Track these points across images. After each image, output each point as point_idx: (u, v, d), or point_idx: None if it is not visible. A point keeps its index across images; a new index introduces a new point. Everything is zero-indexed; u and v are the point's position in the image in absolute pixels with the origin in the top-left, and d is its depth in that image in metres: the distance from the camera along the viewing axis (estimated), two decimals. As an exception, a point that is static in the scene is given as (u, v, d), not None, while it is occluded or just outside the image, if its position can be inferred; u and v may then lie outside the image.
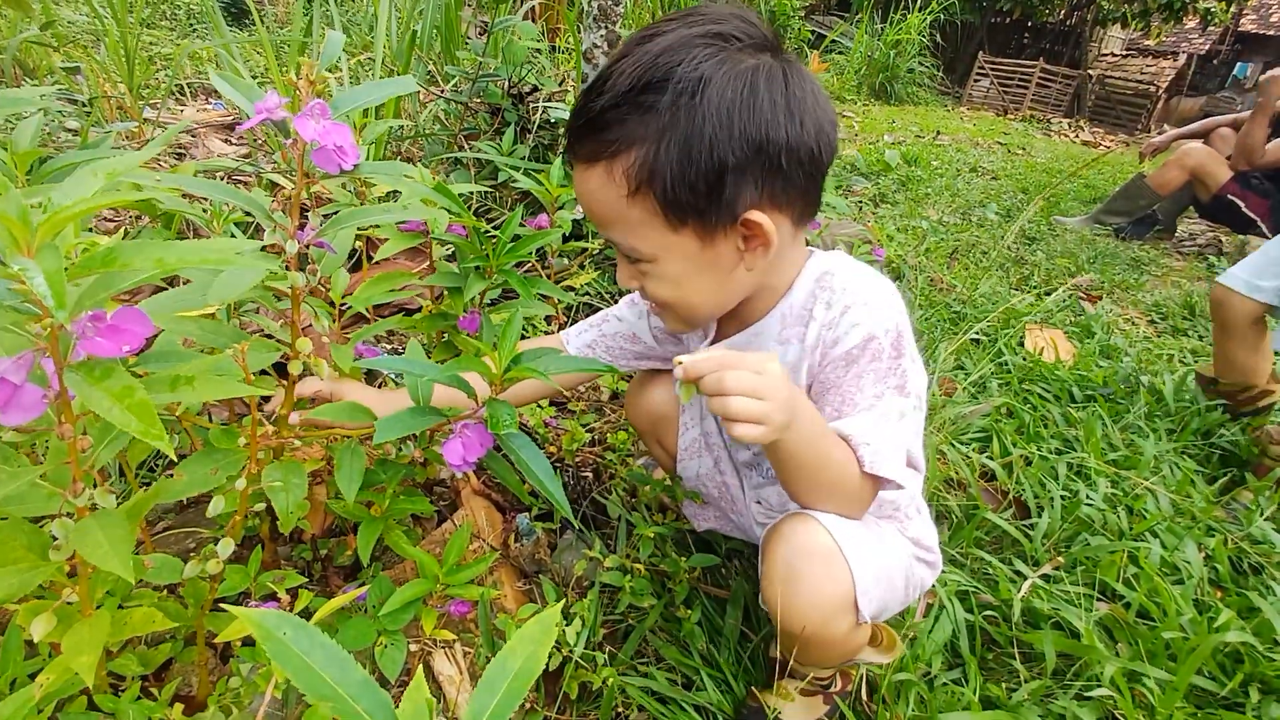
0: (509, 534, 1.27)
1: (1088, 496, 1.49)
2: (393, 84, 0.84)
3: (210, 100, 3.12)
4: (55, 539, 0.58)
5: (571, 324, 1.17)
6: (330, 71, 0.81)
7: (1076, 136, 9.27)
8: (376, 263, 1.26)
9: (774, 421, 0.70)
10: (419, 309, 1.26)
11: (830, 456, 0.78)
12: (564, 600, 0.99)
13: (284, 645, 0.46)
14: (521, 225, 1.35)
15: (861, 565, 0.82)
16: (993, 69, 12.11)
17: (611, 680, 0.98)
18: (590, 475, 1.47)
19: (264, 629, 0.46)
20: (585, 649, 1.03)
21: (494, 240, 1.12)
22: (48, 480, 0.56)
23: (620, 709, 1.02)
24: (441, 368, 0.78)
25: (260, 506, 0.90)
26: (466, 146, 2.30)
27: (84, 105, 2.40)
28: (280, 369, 0.85)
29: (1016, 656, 1.13)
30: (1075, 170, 5.45)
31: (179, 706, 0.81)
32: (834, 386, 0.84)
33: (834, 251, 0.94)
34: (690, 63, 0.71)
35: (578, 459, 1.51)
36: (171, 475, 0.75)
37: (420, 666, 0.90)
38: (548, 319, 1.87)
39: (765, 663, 1.08)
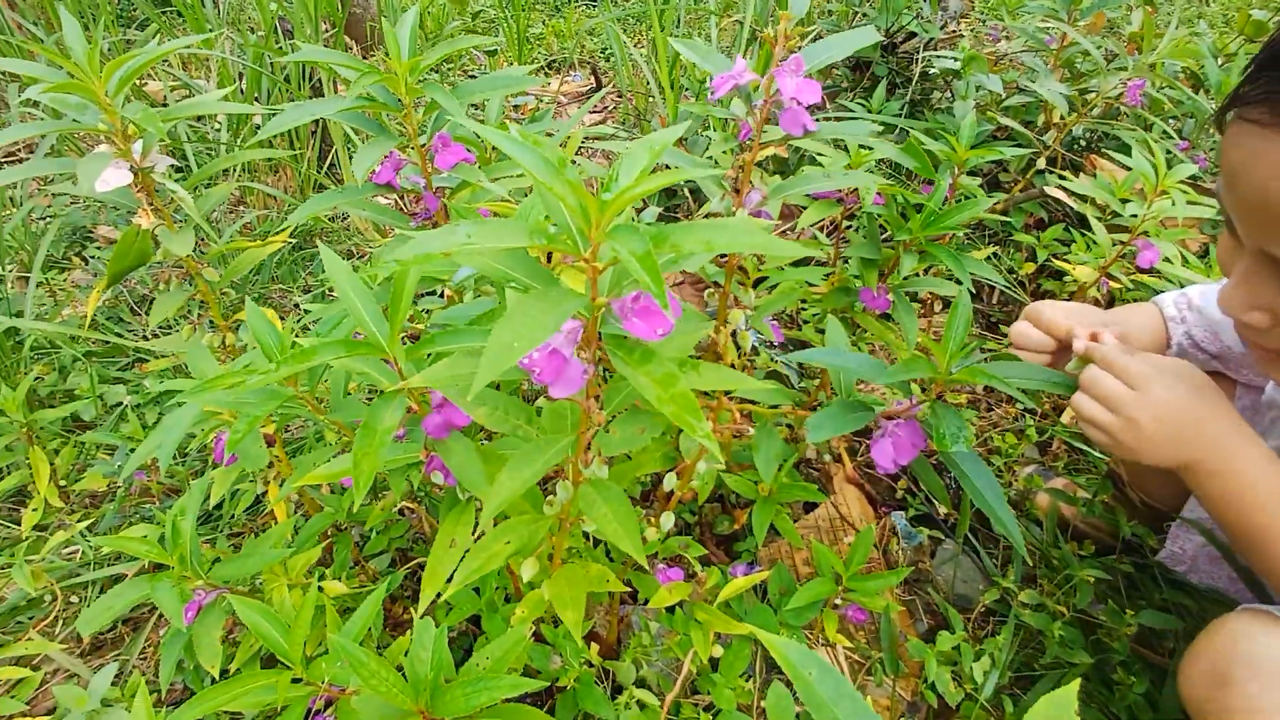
0: (887, 534, 1.16)
1: None
2: (856, 35, 0.74)
3: (570, 73, 3.43)
4: (550, 498, 0.63)
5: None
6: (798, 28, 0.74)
7: None
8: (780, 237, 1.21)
9: (1120, 439, 0.69)
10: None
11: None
12: (964, 631, 0.85)
13: (811, 688, 0.41)
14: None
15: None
16: None
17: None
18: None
19: (791, 665, 0.41)
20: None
21: (918, 209, 0.98)
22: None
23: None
24: (889, 369, 0.69)
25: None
26: (827, 105, 2.16)
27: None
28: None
29: None
30: None
31: (595, 646, 0.87)
32: None
33: None
34: None
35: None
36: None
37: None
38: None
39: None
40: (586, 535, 0.91)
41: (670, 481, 0.73)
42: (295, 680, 0.67)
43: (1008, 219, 1.74)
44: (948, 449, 0.67)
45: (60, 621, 1.25)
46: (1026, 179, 1.79)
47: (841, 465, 1.23)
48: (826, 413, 0.71)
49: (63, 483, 1.49)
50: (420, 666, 0.59)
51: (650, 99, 2.31)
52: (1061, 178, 1.53)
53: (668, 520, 0.74)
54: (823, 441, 0.95)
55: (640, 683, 0.87)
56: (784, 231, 1.77)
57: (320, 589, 0.83)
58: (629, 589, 0.77)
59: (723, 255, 0.83)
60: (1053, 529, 1.06)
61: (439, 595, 0.63)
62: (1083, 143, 1.95)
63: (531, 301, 0.40)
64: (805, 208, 1.04)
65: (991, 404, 1.46)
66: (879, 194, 1.04)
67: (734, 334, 0.85)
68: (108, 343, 1.74)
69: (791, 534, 0.98)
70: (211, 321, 1.01)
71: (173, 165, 0.85)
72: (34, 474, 1.45)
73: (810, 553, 0.91)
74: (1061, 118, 1.71)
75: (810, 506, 1.25)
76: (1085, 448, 1.29)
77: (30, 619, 1.26)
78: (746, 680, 0.84)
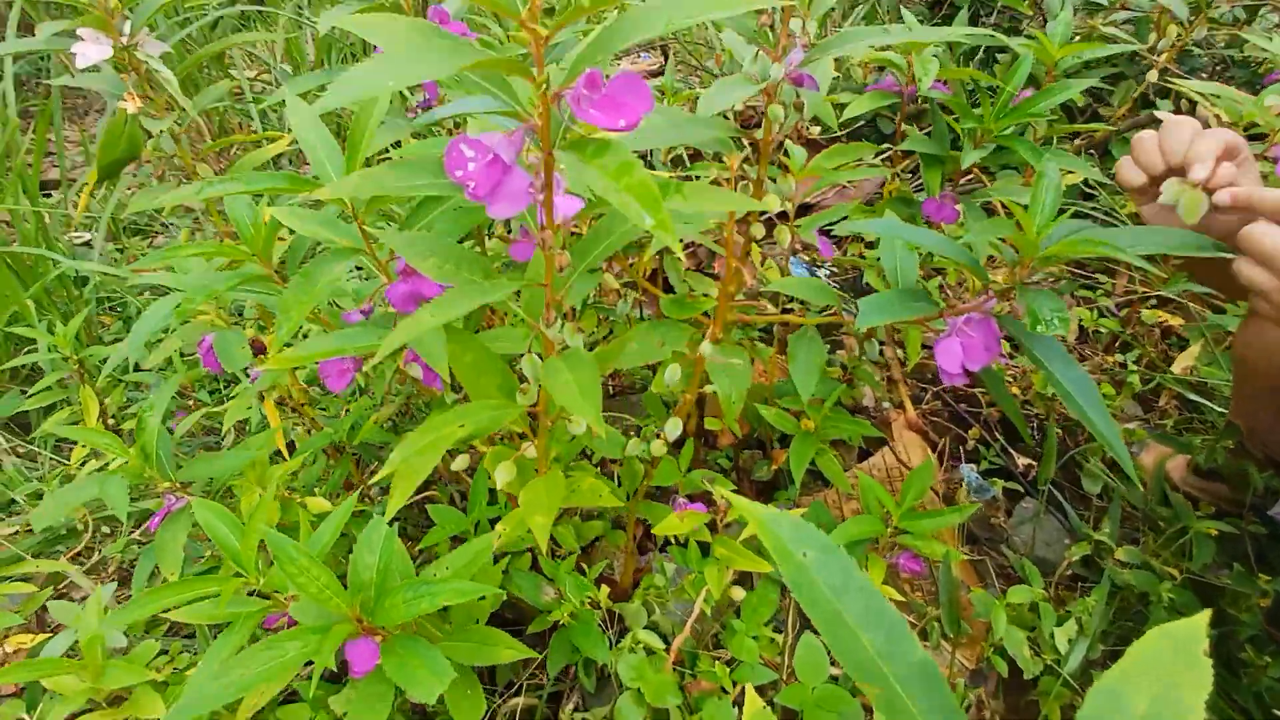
0: (954, 488, 1.01)
1: None
2: None
3: (640, 54, 3.28)
4: (523, 382, 0.53)
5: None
6: None
7: None
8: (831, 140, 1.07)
9: None
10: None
11: None
12: (1048, 592, 0.70)
13: (805, 573, 0.29)
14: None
15: None
16: None
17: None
18: (1061, 430, 1.10)
19: (778, 540, 0.30)
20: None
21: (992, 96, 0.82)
22: (523, 311, 0.49)
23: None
24: (970, 226, 0.55)
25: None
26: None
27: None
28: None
29: None
30: None
31: (605, 589, 0.77)
32: None
33: None
34: None
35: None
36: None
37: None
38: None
39: None
40: (588, 456, 0.81)
41: (673, 374, 0.62)
42: (251, 593, 0.60)
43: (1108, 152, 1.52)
44: (1042, 331, 0.53)
45: (95, 551, 1.27)
46: (1131, 101, 1.55)
47: (902, 411, 1.08)
48: (881, 297, 0.58)
49: (111, 420, 1.51)
50: (365, 572, 0.50)
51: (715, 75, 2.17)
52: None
53: (674, 428, 0.62)
54: (873, 351, 0.82)
55: (652, 628, 0.76)
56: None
57: (304, 506, 0.76)
58: (643, 523, 0.67)
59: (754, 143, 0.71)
60: (1159, 487, 0.88)
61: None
62: (1205, 71, 1.70)
63: (424, 37, 0.30)
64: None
65: (1084, 352, 1.26)
66: (943, 82, 0.88)
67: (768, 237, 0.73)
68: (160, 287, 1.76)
69: (839, 478, 0.85)
70: (216, 231, 0.97)
71: (168, 53, 0.80)
72: (83, 411, 1.47)
73: (859, 498, 0.78)
74: (1180, 33, 1.47)
75: (864, 455, 1.11)
76: (1203, 400, 1.09)
77: (68, 547, 1.27)
78: (773, 631, 0.72)
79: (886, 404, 1.19)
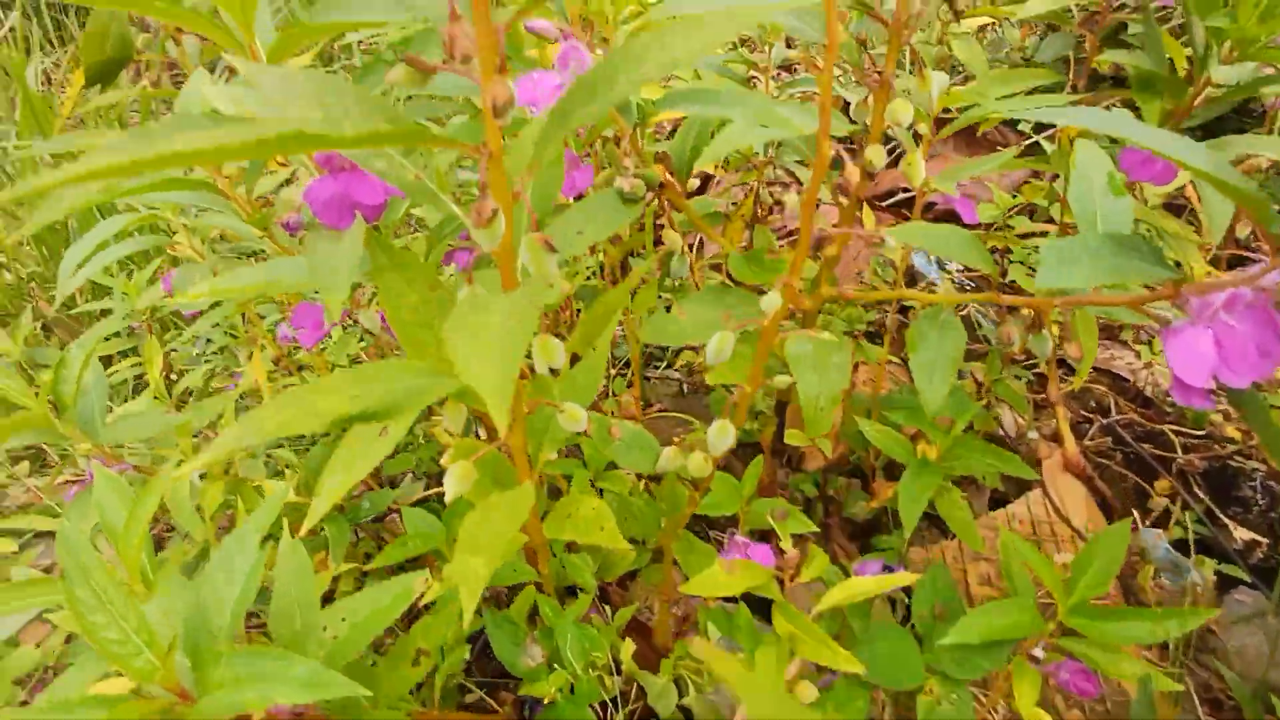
0: (1131, 561, 0.73)
1: None
2: None
3: None
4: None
5: None
6: None
7: None
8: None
9: None
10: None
11: None
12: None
13: None
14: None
15: None
16: None
17: None
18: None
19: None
20: None
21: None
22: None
23: None
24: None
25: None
26: None
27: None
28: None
29: None
30: None
31: (629, 645, 0.57)
32: None
33: None
34: None
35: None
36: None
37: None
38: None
39: None
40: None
41: (721, 346, 0.40)
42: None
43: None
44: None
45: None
46: None
47: (1060, 444, 0.81)
48: (1080, 243, 0.35)
49: (172, 376, 1.48)
50: (200, 618, 0.32)
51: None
52: None
53: (721, 437, 0.41)
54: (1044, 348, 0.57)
55: (684, 713, 0.55)
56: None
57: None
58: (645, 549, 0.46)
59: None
60: None
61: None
62: None
63: None
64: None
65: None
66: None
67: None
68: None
69: (968, 531, 0.60)
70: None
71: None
72: (146, 364, 1.44)
73: (999, 559, 0.54)
74: None
75: (997, 501, 0.84)
76: None
77: None
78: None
79: (1033, 434, 0.91)
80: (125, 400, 1.40)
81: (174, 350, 1.54)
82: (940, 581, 0.51)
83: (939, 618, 0.49)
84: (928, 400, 0.43)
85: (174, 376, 1.45)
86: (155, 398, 1.20)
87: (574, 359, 0.43)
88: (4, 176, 1.76)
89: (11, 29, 1.69)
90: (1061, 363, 1.02)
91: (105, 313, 1.61)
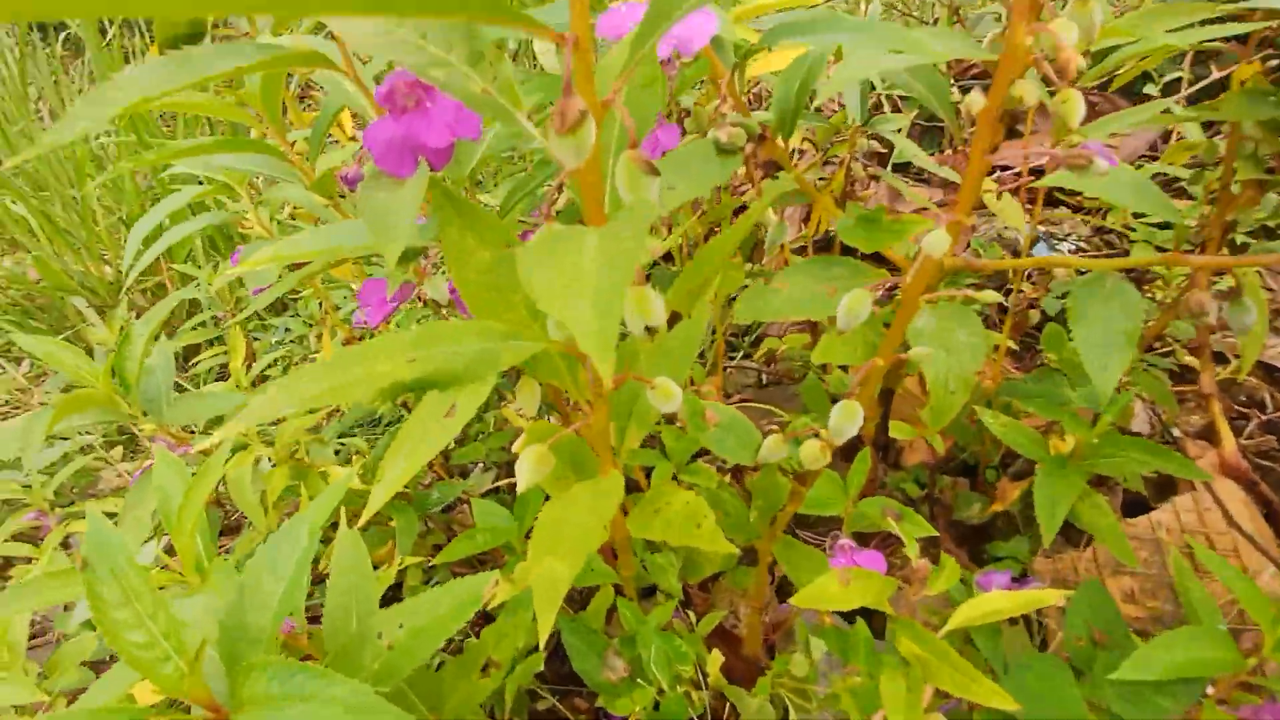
0: (1314, 578, 0.61)
1: None
2: None
3: None
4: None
5: None
6: None
7: None
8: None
9: None
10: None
11: None
12: None
13: None
14: None
15: None
16: None
17: None
18: None
19: None
20: None
21: None
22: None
23: None
24: None
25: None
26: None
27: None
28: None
29: None
30: None
31: (716, 656, 0.51)
32: None
33: None
34: None
35: None
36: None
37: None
38: None
39: None
40: (723, 468, 0.55)
41: (853, 313, 0.33)
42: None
43: None
44: None
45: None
46: None
47: (1217, 442, 0.69)
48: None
49: (254, 366, 1.52)
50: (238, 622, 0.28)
51: None
52: None
53: (847, 420, 0.34)
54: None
55: (781, 741, 0.48)
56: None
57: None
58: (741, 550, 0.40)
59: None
60: None
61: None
62: None
63: None
64: None
65: None
66: None
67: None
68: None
69: (1118, 544, 0.51)
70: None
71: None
72: (230, 353, 1.47)
73: (1170, 574, 0.44)
74: None
75: (1133, 506, 0.73)
76: None
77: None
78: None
79: (1176, 431, 0.80)
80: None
81: (256, 338, 1.58)
82: (1097, 600, 0.43)
83: (1099, 645, 0.41)
84: (1101, 383, 0.35)
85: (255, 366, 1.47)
86: (237, 386, 1.20)
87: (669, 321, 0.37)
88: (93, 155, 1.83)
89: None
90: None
91: (194, 303, 1.67)
